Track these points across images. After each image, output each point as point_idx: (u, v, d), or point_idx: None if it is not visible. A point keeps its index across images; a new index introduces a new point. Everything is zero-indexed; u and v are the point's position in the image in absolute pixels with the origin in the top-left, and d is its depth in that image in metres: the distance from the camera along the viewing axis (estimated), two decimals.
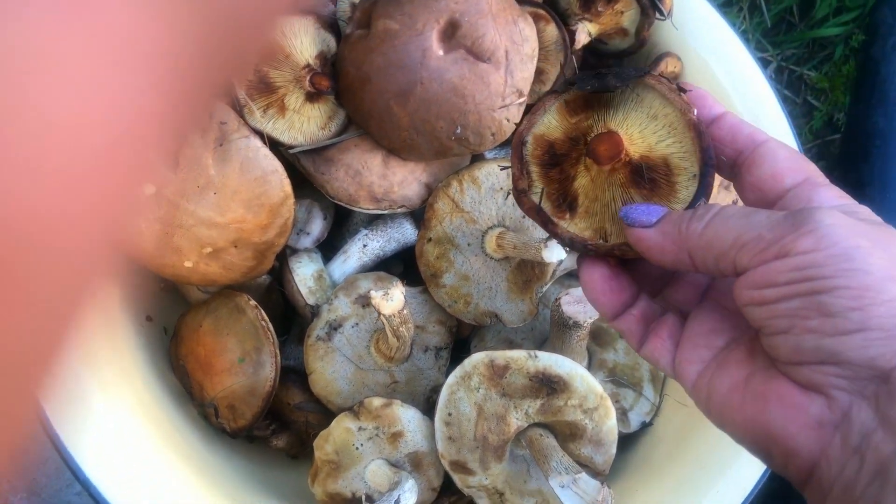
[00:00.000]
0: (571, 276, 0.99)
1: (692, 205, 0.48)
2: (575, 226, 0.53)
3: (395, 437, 0.80)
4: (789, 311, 0.42)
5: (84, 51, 0.20)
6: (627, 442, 0.91)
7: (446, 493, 0.84)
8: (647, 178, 0.51)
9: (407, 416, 0.81)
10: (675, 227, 0.46)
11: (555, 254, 0.78)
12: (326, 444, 0.81)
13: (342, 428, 0.80)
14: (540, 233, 0.87)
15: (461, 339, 0.95)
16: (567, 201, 0.53)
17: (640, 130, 0.52)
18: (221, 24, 0.26)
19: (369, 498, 0.79)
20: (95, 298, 0.26)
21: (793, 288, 0.41)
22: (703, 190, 0.48)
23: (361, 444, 0.81)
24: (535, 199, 0.54)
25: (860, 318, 0.40)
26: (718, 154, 0.49)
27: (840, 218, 0.41)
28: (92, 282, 0.25)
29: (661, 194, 0.51)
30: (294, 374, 0.89)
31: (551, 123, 0.55)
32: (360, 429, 0.80)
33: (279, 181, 0.77)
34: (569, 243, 0.52)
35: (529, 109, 0.87)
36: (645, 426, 0.92)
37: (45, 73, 0.20)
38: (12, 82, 0.19)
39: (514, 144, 0.55)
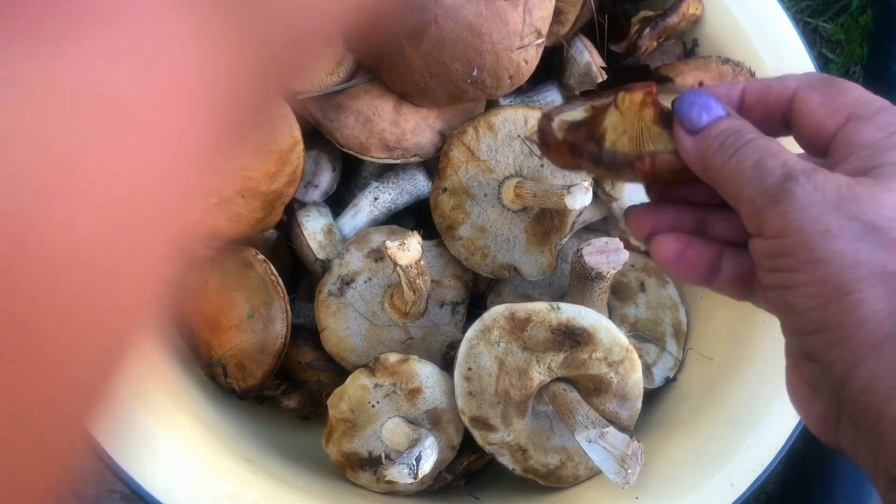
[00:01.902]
0: (589, 230, 0.95)
1: None
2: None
3: (413, 393, 0.77)
4: (772, 300, 0.41)
5: (141, 90, 0.20)
6: (651, 398, 0.88)
7: (466, 451, 0.81)
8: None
9: (425, 372, 0.77)
10: (707, 147, 0.44)
11: (577, 199, 0.75)
12: (341, 401, 0.78)
13: (357, 385, 0.77)
14: (560, 180, 0.83)
15: (477, 295, 0.91)
16: (595, 139, 0.51)
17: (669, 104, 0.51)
18: (273, 39, 0.26)
19: (387, 456, 0.76)
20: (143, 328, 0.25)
21: (767, 278, 0.41)
22: None
23: (377, 402, 0.78)
24: (560, 135, 0.52)
25: (818, 317, 0.38)
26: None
27: (818, 191, 0.39)
28: (136, 329, 0.25)
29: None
30: (305, 331, 0.86)
31: (577, 115, 0.55)
32: (375, 386, 0.77)
33: (288, 126, 0.73)
34: (596, 158, 0.49)
35: (547, 51, 0.83)
36: (669, 382, 0.89)
37: (100, 113, 0.19)
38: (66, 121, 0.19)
39: (540, 121, 0.54)
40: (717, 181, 0.44)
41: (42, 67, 0.18)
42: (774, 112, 0.46)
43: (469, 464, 0.81)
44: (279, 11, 0.26)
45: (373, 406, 0.78)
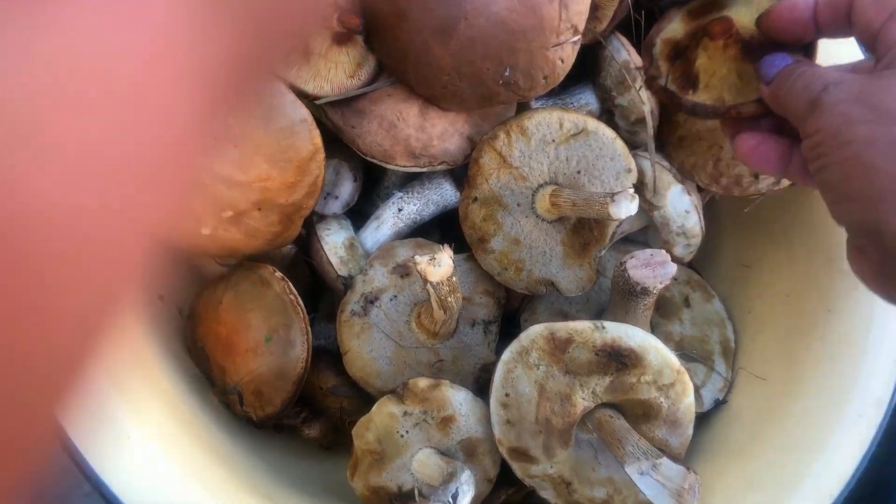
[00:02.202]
0: (628, 241, 0.89)
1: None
2: (697, 97, 0.67)
3: (446, 422, 0.71)
4: (817, 183, 0.53)
5: (123, 61, 0.20)
6: (700, 422, 0.81)
7: (503, 485, 0.75)
8: (757, 45, 0.64)
9: (458, 399, 0.71)
10: (776, 88, 0.58)
11: (623, 208, 0.68)
12: (367, 431, 0.71)
13: (385, 413, 0.71)
14: (598, 188, 0.77)
15: (509, 313, 0.85)
16: (690, 81, 0.68)
17: (749, 18, 0.65)
18: (259, 23, 0.26)
19: (420, 493, 0.70)
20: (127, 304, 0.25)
21: (811, 166, 0.52)
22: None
23: (407, 432, 0.71)
24: (662, 82, 0.70)
25: (848, 187, 0.48)
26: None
27: (843, 91, 0.50)
28: (121, 294, 0.24)
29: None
30: (326, 354, 0.80)
31: (677, 29, 0.72)
32: (405, 414, 0.71)
33: (308, 132, 0.67)
34: (692, 110, 0.67)
35: (585, 49, 0.77)
36: (719, 404, 0.82)
37: (82, 76, 0.19)
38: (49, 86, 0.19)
39: (644, 45, 0.72)
40: (783, 109, 0.58)
41: (22, 38, 0.18)
42: (840, 12, 0.55)
43: (507, 498, 0.74)
44: None
45: (402, 436, 0.71)
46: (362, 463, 0.72)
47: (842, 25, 0.55)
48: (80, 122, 0.19)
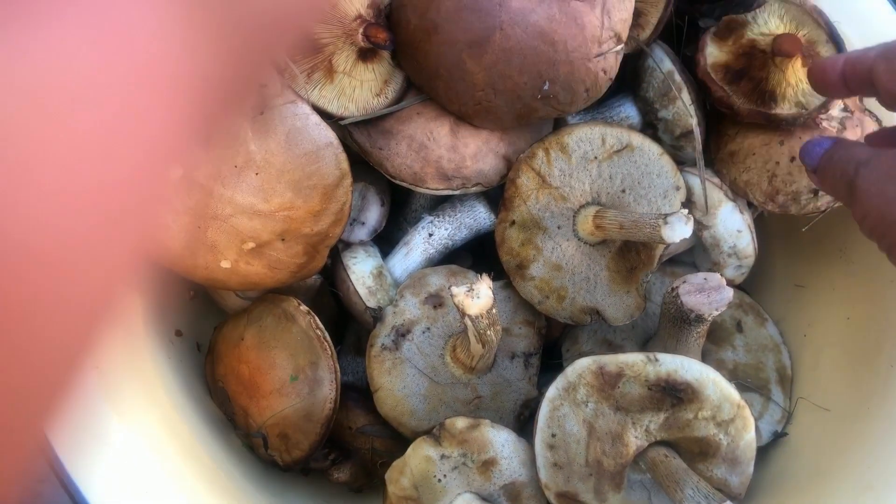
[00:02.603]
0: (674, 262, 0.84)
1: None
2: (781, 110, 0.72)
3: (487, 465, 0.65)
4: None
5: (108, 74, 0.20)
6: (757, 457, 0.75)
7: None
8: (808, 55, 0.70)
9: (500, 440, 0.66)
10: (820, 179, 0.59)
11: (677, 231, 0.63)
12: (402, 476, 0.66)
13: (421, 457, 0.65)
14: (645, 207, 0.72)
15: (549, 342, 0.79)
16: (766, 97, 0.72)
17: (784, 26, 0.73)
18: (248, 24, 0.26)
19: None
20: (115, 318, 0.24)
21: (880, 247, 0.53)
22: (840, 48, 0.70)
23: (444, 476, 0.66)
24: (739, 101, 0.72)
25: None
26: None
27: (876, 171, 0.51)
28: (112, 299, 0.24)
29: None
30: (354, 391, 0.75)
31: (716, 53, 0.74)
32: (442, 457, 0.65)
33: (334, 156, 0.62)
34: (788, 120, 0.71)
35: (623, 59, 0.72)
36: (778, 437, 0.76)
37: (63, 86, 0.19)
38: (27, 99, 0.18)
39: (700, 76, 0.74)
40: (834, 196, 0.64)
41: (5, 54, 0.18)
42: (863, 79, 0.56)
43: None
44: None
45: (439, 481, 0.66)
46: None
47: (867, 89, 0.56)
48: (64, 139, 0.19)
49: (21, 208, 0.19)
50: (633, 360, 0.64)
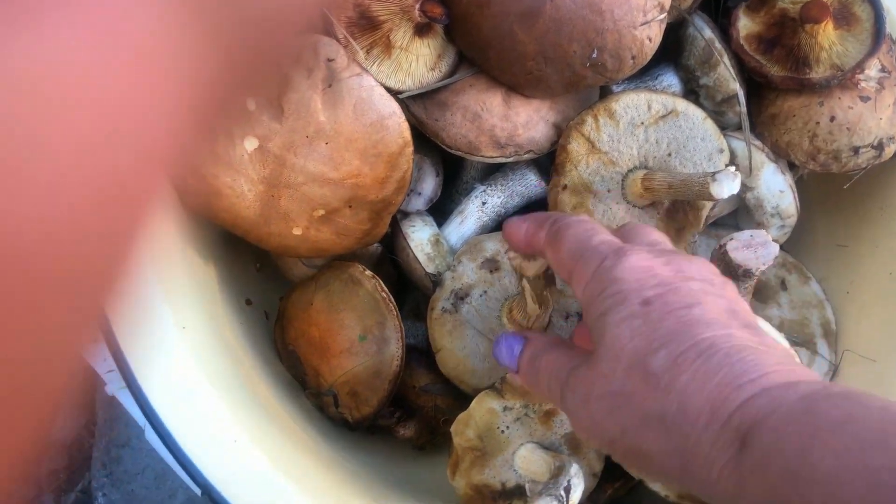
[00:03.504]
0: (718, 226, 0.86)
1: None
2: (816, 74, 0.74)
3: (548, 415, 0.69)
4: None
5: (104, 74, 0.21)
6: None
7: (608, 480, 0.73)
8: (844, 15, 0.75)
9: None
10: (525, 381, 0.55)
11: (725, 187, 0.66)
12: (467, 428, 0.70)
13: (485, 409, 0.69)
14: (690, 169, 0.75)
15: None
16: (800, 63, 0.75)
17: None
18: (251, 24, 0.27)
19: (531, 488, 0.68)
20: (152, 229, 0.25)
21: None
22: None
23: (507, 427, 0.69)
24: (773, 70, 0.76)
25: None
26: None
27: (576, 389, 0.47)
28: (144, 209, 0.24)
29: (854, 28, 0.75)
30: (416, 352, 0.78)
31: (749, 24, 0.78)
32: (505, 409, 0.69)
33: (397, 126, 0.66)
34: (823, 83, 0.74)
35: (669, 30, 0.75)
36: None
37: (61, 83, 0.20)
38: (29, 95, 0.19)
39: (734, 49, 0.77)
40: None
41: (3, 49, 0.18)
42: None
43: (613, 493, 0.72)
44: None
45: (502, 432, 0.69)
46: (463, 461, 0.70)
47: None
48: (52, 133, 0.19)
49: (19, 204, 0.19)
50: None
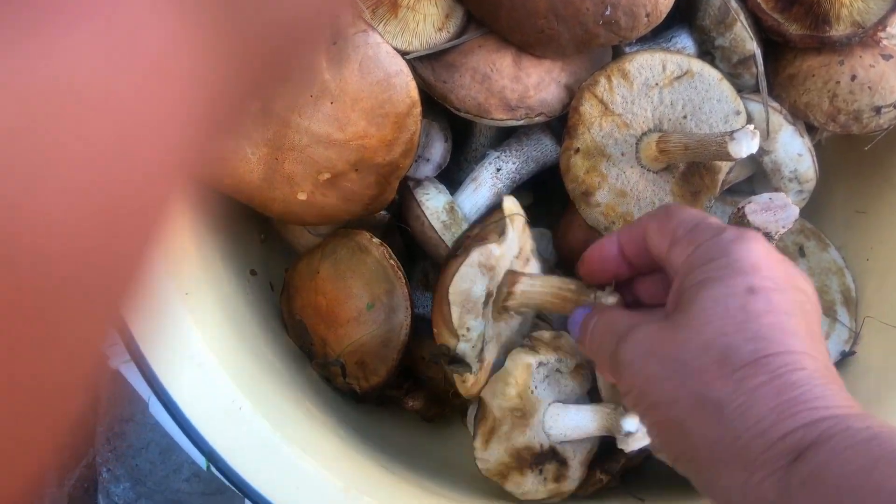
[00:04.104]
0: (734, 192, 0.84)
1: None
2: (836, 32, 0.72)
3: (578, 369, 0.68)
4: None
5: (118, 84, 0.20)
6: None
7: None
8: None
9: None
10: (583, 348, 0.55)
11: (744, 146, 0.64)
12: (507, 387, 0.65)
13: (522, 365, 0.66)
14: (706, 130, 0.73)
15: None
16: (820, 20, 0.72)
17: None
18: (266, 32, 0.27)
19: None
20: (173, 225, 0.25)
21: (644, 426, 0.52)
22: None
23: (536, 388, 0.67)
24: (791, 28, 0.73)
25: (673, 453, 0.47)
26: None
27: (637, 346, 0.47)
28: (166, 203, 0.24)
29: None
30: (425, 322, 0.76)
31: None
32: (539, 364, 0.66)
33: (405, 84, 0.64)
34: (843, 41, 0.72)
35: None
36: (845, 356, 0.77)
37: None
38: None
39: (751, 7, 0.74)
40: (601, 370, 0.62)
41: (13, 58, 0.18)
42: (641, 246, 0.53)
43: (626, 462, 0.70)
44: (266, 4, 0.27)
45: (532, 392, 0.67)
46: (503, 424, 0.66)
47: (647, 259, 0.53)
48: (67, 143, 0.19)
49: (35, 211, 0.19)
50: None
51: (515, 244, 0.64)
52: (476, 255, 0.60)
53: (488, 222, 0.62)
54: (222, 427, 0.58)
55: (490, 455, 0.66)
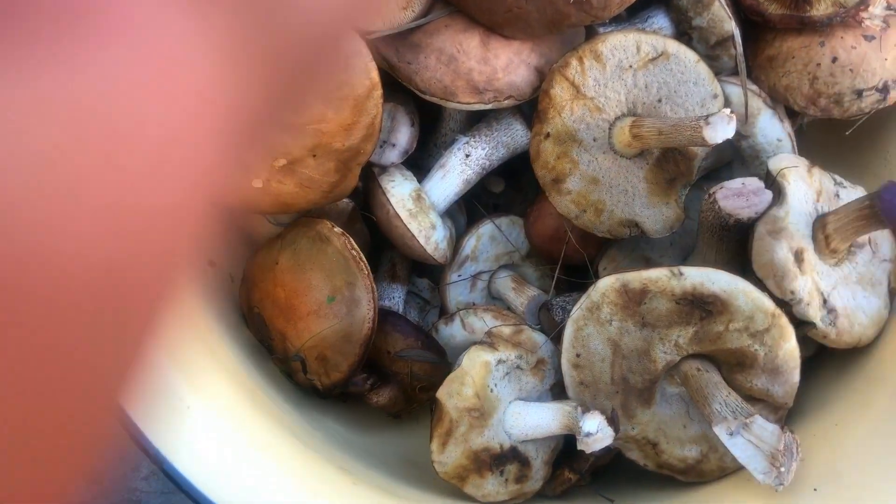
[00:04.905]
0: (711, 179, 0.81)
1: None
2: (818, 11, 0.69)
3: (539, 365, 0.65)
4: None
5: (150, 104, 0.20)
6: (809, 369, 0.73)
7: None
8: None
9: (541, 340, 0.65)
10: None
11: (719, 131, 0.61)
12: (464, 387, 0.64)
13: (480, 363, 0.64)
14: (682, 115, 0.70)
15: (584, 263, 0.78)
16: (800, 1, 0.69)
17: None
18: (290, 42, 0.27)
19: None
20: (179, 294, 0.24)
21: None
22: None
23: (496, 385, 0.65)
24: (771, 8, 0.69)
25: None
26: None
27: None
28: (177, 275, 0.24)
29: None
30: (392, 315, 0.74)
31: None
32: (499, 361, 0.64)
33: (364, 66, 0.61)
34: (825, 21, 0.69)
35: None
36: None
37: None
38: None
39: None
40: None
41: (46, 80, 0.18)
42: None
43: (595, 460, 0.68)
44: (289, 17, 0.26)
45: (491, 391, 0.65)
46: (460, 425, 0.64)
47: None
48: (100, 166, 0.19)
49: (66, 235, 0.19)
50: (657, 275, 0.62)
51: (803, 194, 0.65)
52: (761, 227, 0.63)
53: None
54: (168, 426, 0.55)
55: (447, 458, 0.64)
